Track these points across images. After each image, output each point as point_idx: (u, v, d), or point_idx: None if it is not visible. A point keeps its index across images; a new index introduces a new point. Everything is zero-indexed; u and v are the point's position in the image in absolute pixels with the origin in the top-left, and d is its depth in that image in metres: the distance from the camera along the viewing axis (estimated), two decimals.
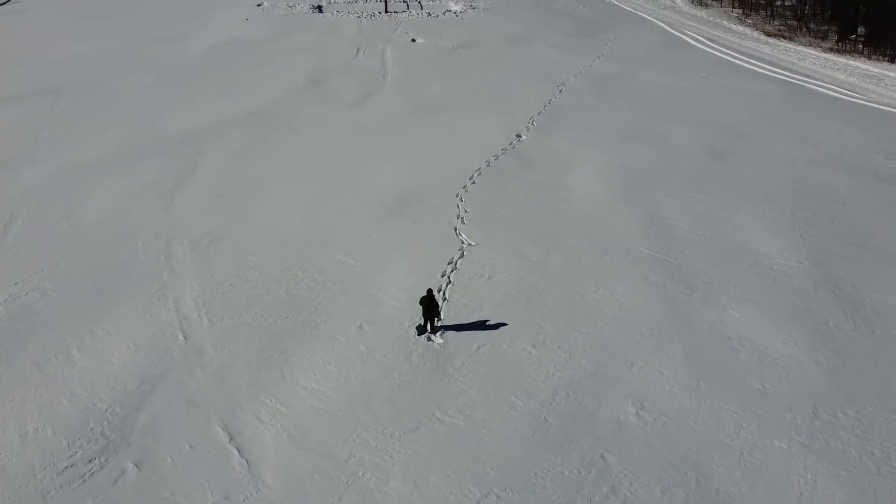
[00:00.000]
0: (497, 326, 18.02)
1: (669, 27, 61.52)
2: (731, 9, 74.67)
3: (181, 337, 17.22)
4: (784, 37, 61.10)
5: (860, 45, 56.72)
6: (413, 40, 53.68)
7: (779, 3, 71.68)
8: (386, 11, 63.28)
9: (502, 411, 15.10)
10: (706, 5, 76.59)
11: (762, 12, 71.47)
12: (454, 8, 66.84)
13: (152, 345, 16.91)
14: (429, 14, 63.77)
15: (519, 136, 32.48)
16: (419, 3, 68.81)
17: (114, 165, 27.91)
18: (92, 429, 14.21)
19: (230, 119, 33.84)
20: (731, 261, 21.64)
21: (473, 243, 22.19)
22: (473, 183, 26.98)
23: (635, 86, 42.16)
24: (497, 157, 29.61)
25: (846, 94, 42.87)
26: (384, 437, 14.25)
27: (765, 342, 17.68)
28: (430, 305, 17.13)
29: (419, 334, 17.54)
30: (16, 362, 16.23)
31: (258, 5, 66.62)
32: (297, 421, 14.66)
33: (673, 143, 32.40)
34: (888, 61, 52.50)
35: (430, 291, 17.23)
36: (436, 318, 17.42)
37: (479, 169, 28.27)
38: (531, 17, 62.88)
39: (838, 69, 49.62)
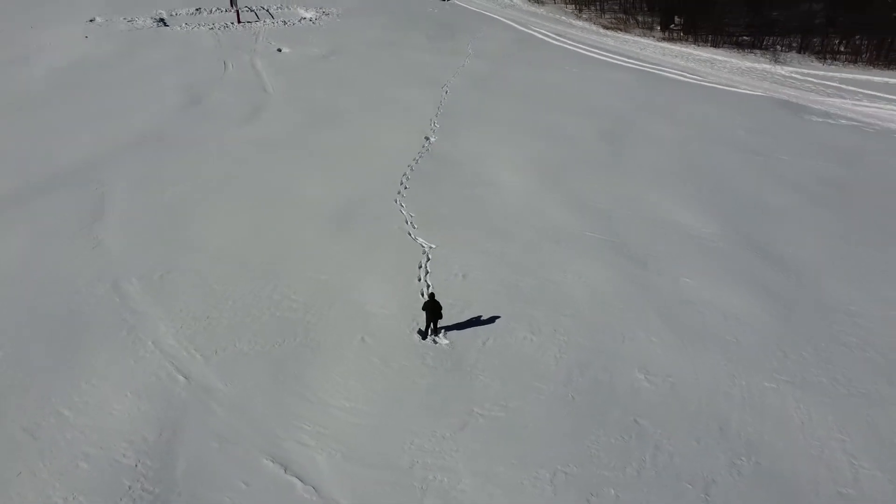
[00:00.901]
0: (491, 320, 18.79)
1: (519, 25, 65.19)
2: (565, 5, 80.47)
3: (181, 377, 16.22)
4: (620, 29, 67.08)
5: (681, 33, 63.85)
6: (279, 50, 52.47)
7: None
8: (238, 22, 61.07)
9: (532, 397, 15.94)
10: (542, 2, 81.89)
11: (593, 7, 77.80)
12: (307, 15, 65.98)
13: (153, 390, 15.79)
14: (284, 23, 62.47)
15: (427, 138, 33.24)
16: (269, 12, 67.10)
17: (7, 209, 24.99)
18: (130, 487, 13.15)
19: (120, 145, 31.37)
20: (665, 235, 24.02)
21: (433, 246, 22.69)
22: (406, 188, 27.38)
23: (511, 82, 44.48)
24: (417, 161, 30.17)
25: (690, 77, 48.31)
26: (437, 440, 14.55)
27: (721, 302, 20.02)
28: (433, 309, 17.53)
29: (423, 338, 17.88)
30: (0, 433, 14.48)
31: (90, 21, 61.41)
32: (343, 439, 14.53)
33: (568, 133, 34.81)
34: (711, 46, 59.65)
35: (432, 296, 17.62)
36: (438, 320, 17.84)
37: (405, 174, 28.70)
38: (386, 21, 63.64)
39: (676, 56, 55.61)
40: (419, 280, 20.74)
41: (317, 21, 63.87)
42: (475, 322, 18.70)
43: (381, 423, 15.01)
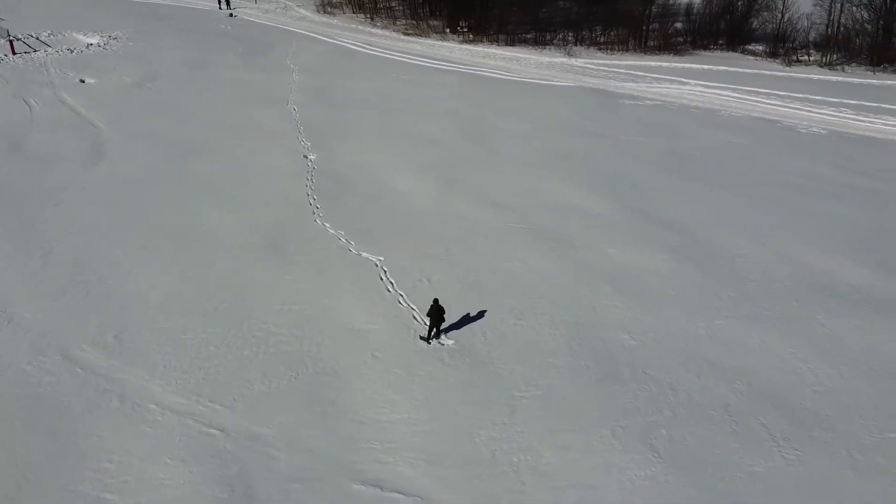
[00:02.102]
0: (479, 315, 20.04)
1: (323, 37, 65.60)
2: (354, 14, 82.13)
3: (215, 431, 15.31)
4: (419, 34, 70.38)
5: (471, 35, 68.98)
6: (82, 81, 47.51)
7: (382, 5, 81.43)
8: (14, 53, 53.91)
9: (554, 373, 17.59)
10: (332, 13, 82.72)
11: (383, 14, 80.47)
12: (93, 41, 60.07)
13: (193, 450, 14.74)
14: (70, 50, 56.33)
15: (306, 157, 33.03)
16: (40, 40, 59.94)
17: None
18: None
19: None
20: (570, 217, 26.94)
21: (381, 258, 23.23)
22: (318, 207, 27.31)
23: (350, 93, 45.24)
24: (311, 180, 30.03)
25: (506, 75, 52.84)
26: (499, 427, 15.58)
27: (648, 265, 23.31)
28: (438, 313, 18.36)
29: (428, 342, 18.64)
30: None
31: None
32: (416, 448, 14.95)
33: (433, 136, 36.73)
34: (507, 45, 65.29)
35: (436, 301, 18.42)
36: (441, 323, 18.71)
37: (308, 194, 28.53)
38: (183, 42, 60.18)
39: (483, 56, 60.13)
40: (389, 291, 21.22)
41: (107, 46, 58.47)
42: (465, 320, 19.78)
43: (440, 426, 15.63)
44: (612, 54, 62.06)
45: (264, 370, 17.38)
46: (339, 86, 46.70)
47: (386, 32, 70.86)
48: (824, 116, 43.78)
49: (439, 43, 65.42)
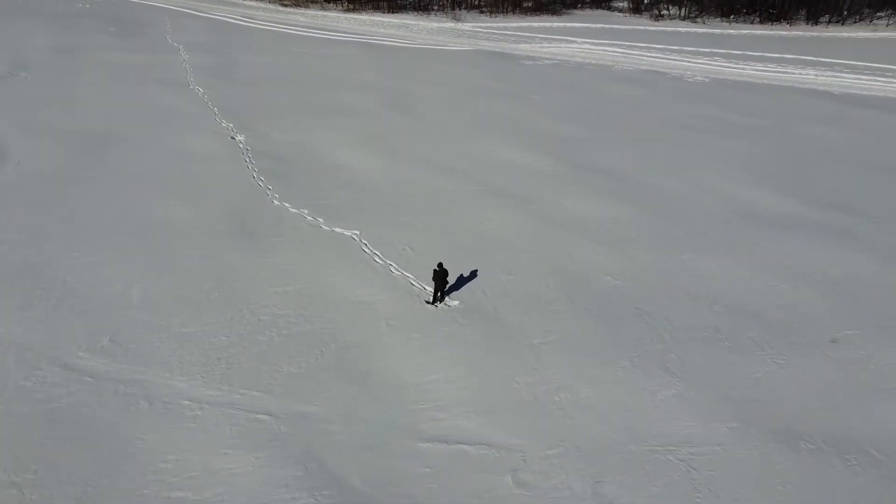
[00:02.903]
0: (473, 276, 20.83)
1: (197, 11, 62.20)
2: None
3: (262, 416, 15.25)
4: (297, 4, 68.51)
5: (349, 3, 68.25)
6: None
7: None
8: None
9: (561, 318, 18.84)
10: None
11: None
12: None
13: (248, 438, 14.61)
14: None
15: (233, 138, 31.96)
16: None
17: None
18: None
19: None
20: (517, 175, 28.31)
21: (357, 232, 23.42)
22: (270, 188, 26.78)
23: (253, 70, 43.83)
24: (251, 161, 29.23)
25: (401, 42, 53.02)
26: (532, 371, 16.64)
27: (603, 214, 25.16)
28: (442, 276, 19.03)
29: (436, 306, 19.31)
30: None
31: None
32: (466, 403, 15.67)
33: (357, 107, 36.68)
34: (390, 12, 65.21)
35: (440, 265, 19.04)
36: (445, 286, 19.40)
37: (254, 176, 27.83)
38: (40, 25, 54.91)
39: (372, 24, 59.81)
40: (378, 262, 21.54)
41: None
42: (461, 281, 20.56)
43: (478, 379, 16.48)
44: (496, 17, 63.71)
45: (287, 352, 17.31)
46: (238, 62, 44.88)
47: (261, 4, 68.21)
48: (702, 66, 47.97)
49: (322, 13, 64.06)
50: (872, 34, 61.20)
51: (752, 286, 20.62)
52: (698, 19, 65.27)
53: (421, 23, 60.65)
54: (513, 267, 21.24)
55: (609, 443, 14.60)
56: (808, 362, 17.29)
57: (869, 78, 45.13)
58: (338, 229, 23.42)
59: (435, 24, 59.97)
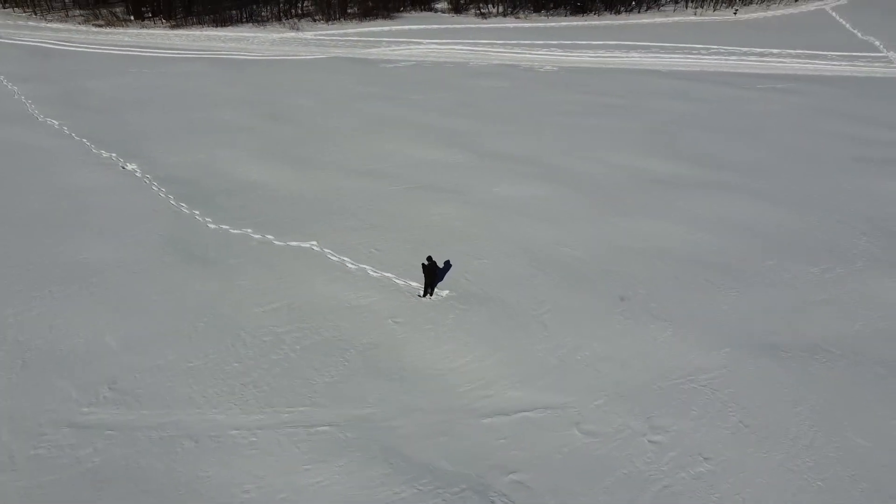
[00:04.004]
0: (447, 266, 21.79)
1: (4, 39, 55.57)
2: (9, 10, 70.08)
3: (324, 428, 15.17)
4: (113, 24, 63.40)
5: (173, 21, 64.88)
6: None
7: None
8: None
9: (545, 288, 20.50)
10: None
11: (43, 7, 70.11)
12: None
13: (320, 454, 14.46)
14: None
15: (124, 168, 29.80)
16: None
17: None
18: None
19: None
20: (439, 170, 29.55)
21: (315, 243, 23.30)
22: (197, 212, 25.57)
23: (104, 94, 40.61)
24: (161, 189, 27.57)
25: (254, 56, 51.55)
26: (551, 338, 18.12)
27: (532, 193, 27.23)
28: (432, 270, 19.81)
29: (430, 296, 20.05)
30: None
31: None
32: (507, 376, 16.72)
33: (243, 125, 35.60)
34: (219, 25, 62.71)
35: (430, 259, 19.77)
36: (435, 280, 20.16)
37: (172, 202, 26.35)
38: None
39: (208, 39, 57.14)
40: (351, 267, 21.73)
41: None
42: (438, 272, 21.42)
43: (505, 354, 17.49)
44: (333, 24, 63.88)
45: (310, 365, 17.15)
46: (82, 89, 41.20)
47: (70, 26, 62.39)
48: (544, 56, 52.23)
49: (146, 31, 60.16)
50: (667, 19, 70.25)
51: (684, 238, 23.67)
52: (520, 15, 70.41)
53: (259, 35, 59.15)
54: (479, 252, 22.44)
55: (640, 384, 16.42)
56: (755, 290, 20.46)
57: (682, 56, 52.12)
58: (293, 243, 23.08)
59: (275, 35, 58.81)
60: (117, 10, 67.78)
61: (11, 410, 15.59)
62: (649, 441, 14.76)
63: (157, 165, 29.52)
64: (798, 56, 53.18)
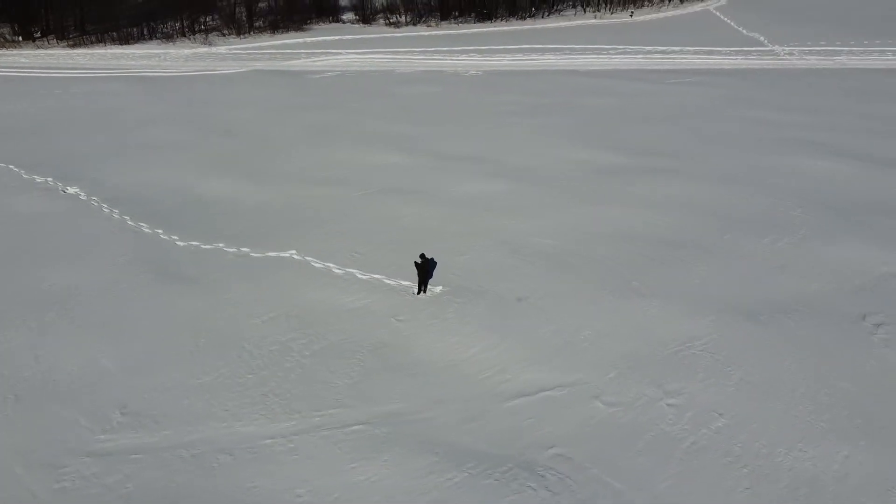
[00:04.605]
0: (432, 264, 22.31)
1: None
2: None
3: (358, 427, 15.27)
4: (9, 46, 59.38)
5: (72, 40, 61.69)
6: None
7: None
8: None
9: (535, 276, 21.36)
10: None
11: None
12: None
13: (375, 451, 14.61)
14: None
15: (65, 191, 28.31)
16: None
17: None
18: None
19: None
20: (396, 174, 29.95)
21: (293, 251, 23.12)
22: (160, 230, 24.75)
23: (25, 118, 38.31)
24: (114, 210, 26.44)
25: (171, 72, 49.81)
26: (556, 320, 18.97)
27: (493, 189, 28.14)
28: (425, 268, 20.23)
29: (424, 292, 20.43)
30: None
31: None
32: (527, 359, 17.37)
33: (184, 142, 34.59)
34: (124, 43, 60.14)
35: (423, 256, 20.15)
36: (428, 278, 20.55)
37: (132, 224, 25.35)
38: None
39: (115, 58, 54.66)
40: (338, 272, 21.76)
41: None
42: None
43: (513, 340, 18.03)
44: (245, 38, 62.60)
45: (327, 368, 17.13)
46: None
47: None
48: (465, 61, 53.55)
49: (44, 52, 56.86)
50: (569, 23, 73.63)
51: (645, 220, 25.20)
52: (431, 23, 71.65)
53: (170, 51, 57.11)
54: (460, 249, 23.00)
55: (644, 356, 17.50)
56: (721, 262, 22.16)
57: (594, 56, 54.93)
58: (271, 253, 22.81)
59: (187, 51, 56.98)
60: (3, 30, 63.51)
61: (18, 446, 14.71)
62: (667, 405, 15.78)
63: (102, 187, 28.19)
64: (697, 52, 57.26)
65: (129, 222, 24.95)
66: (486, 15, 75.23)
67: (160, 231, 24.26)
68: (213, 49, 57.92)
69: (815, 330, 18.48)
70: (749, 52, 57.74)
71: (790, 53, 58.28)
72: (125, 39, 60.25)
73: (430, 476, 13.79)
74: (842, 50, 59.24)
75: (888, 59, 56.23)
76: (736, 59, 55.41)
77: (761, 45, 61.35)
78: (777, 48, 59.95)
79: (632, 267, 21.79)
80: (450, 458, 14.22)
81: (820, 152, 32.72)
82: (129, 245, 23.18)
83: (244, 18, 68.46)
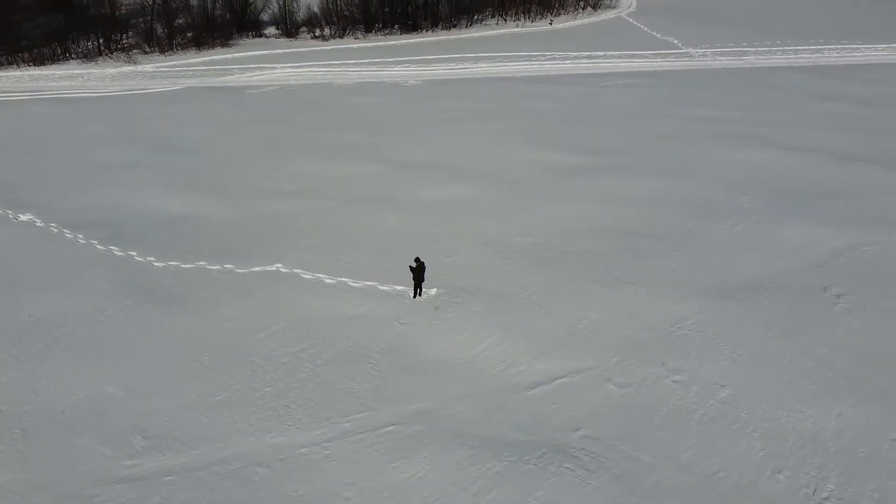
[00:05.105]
0: (421, 267, 22.76)
1: None
2: None
3: (391, 427, 15.54)
4: None
5: None
6: None
7: None
8: None
9: (521, 273, 22.14)
10: None
11: None
12: None
13: (399, 451, 14.81)
14: None
15: (17, 218, 27.03)
16: None
17: None
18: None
19: None
20: (362, 184, 30.19)
21: (280, 265, 23.01)
22: (132, 253, 24.08)
23: None
24: (77, 236, 25.46)
25: (100, 93, 47.95)
26: (557, 311, 19.79)
27: (461, 195, 28.77)
28: (420, 271, 20.66)
29: (420, 295, 20.85)
30: None
31: None
32: (542, 349, 18.15)
33: (132, 161, 33.51)
34: (37, 65, 57.13)
35: (417, 260, 20.58)
36: (422, 281, 20.95)
37: (105, 252, 24.52)
38: None
39: (33, 79, 51.99)
40: (329, 282, 21.87)
41: None
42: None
43: (518, 334, 18.64)
44: (170, 55, 60.84)
45: (343, 375, 17.26)
46: None
47: None
48: (401, 72, 54.14)
49: None
50: (494, 32, 75.54)
51: (611, 215, 26.50)
52: (358, 36, 71.83)
53: (93, 70, 54.77)
54: (445, 251, 23.55)
55: (642, 339, 18.59)
56: (689, 249, 23.66)
57: (525, 63, 56.73)
58: (257, 268, 22.64)
59: (112, 70, 54.78)
60: None
61: (39, 480, 14.17)
62: (672, 381, 16.87)
63: (58, 212, 27.03)
64: (620, 56, 60.10)
65: (98, 246, 24.09)
66: (411, 26, 76.13)
67: (133, 253, 23.57)
68: (139, 67, 56.00)
69: (787, 303, 20.11)
70: (667, 55, 61.10)
71: (704, 55, 62.08)
72: (39, 60, 57.30)
73: (471, 467, 14.23)
74: (749, 50, 63.64)
75: (790, 58, 60.89)
76: (656, 61, 58.54)
77: (676, 47, 65.02)
78: (692, 50, 63.71)
79: (611, 259, 22.93)
80: (486, 449, 14.71)
81: (752, 144, 35.23)
82: (105, 269, 22.41)
83: (164, 36, 66.54)
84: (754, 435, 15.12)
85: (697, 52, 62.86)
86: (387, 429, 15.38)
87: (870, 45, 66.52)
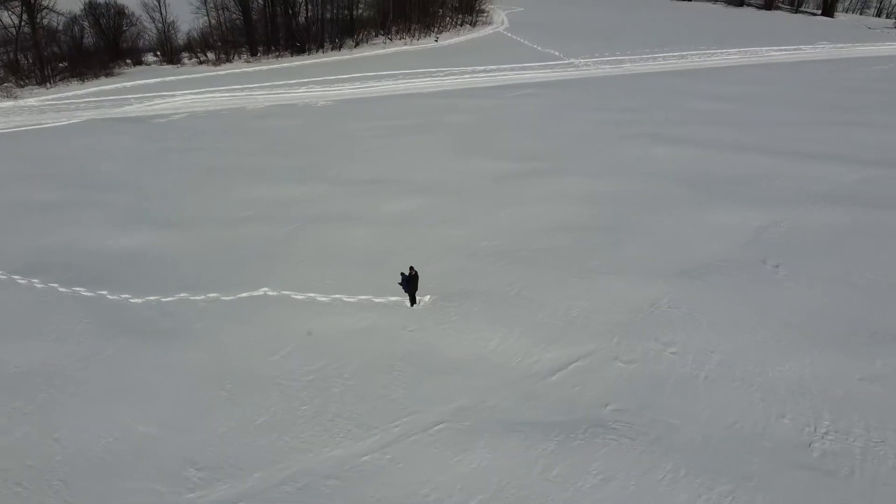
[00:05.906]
0: (412, 278, 23.65)
1: None
2: None
3: (437, 427, 16.38)
4: None
5: None
6: None
7: None
8: None
9: (511, 274, 23.60)
10: None
11: None
12: None
13: (455, 451, 15.79)
14: None
15: None
16: None
17: None
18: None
19: None
20: (320, 204, 30.41)
21: (266, 288, 23.09)
22: (104, 292, 23.17)
23: None
24: (37, 278, 24.05)
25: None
26: (558, 307, 21.37)
27: (420, 208, 29.80)
28: (413, 280, 21.58)
29: (417, 303, 21.76)
30: None
31: None
32: (558, 341, 19.61)
33: (59, 198, 31.68)
34: None
35: (411, 269, 21.46)
36: (415, 290, 21.86)
37: (67, 288, 23.38)
38: None
39: None
40: (323, 300, 22.25)
41: None
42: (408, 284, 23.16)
43: (521, 329, 19.99)
44: (52, 88, 56.95)
45: (373, 384, 17.82)
46: None
47: None
48: (308, 93, 54.09)
49: None
50: (385, 50, 76.82)
51: (561, 213, 28.52)
52: (250, 59, 70.65)
53: None
54: (423, 260, 24.36)
55: (631, 320, 20.58)
56: (643, 239, 26.10)
57: (425, 79, 58.50)
58: (243, 294, 22.56)
59: (8, 104, 50.73)
60: None
61: None
62: (670, 353, 18.94)
63: (14, 256, 25.27)
64: (512, 69, 63.37)
65: (61, 289, 22.88)
66: (300, 48, 75.84)
67: (105, 292, 22.65)
68: (22, 102, 52.09)
69: (738, 277, 22.91)
70: (554, 66, 65.18)
71: (586, 64, 66.83)
72: None
73: (529, 450, 15.43)
74: (624, 59, 69.23)
75: (661, 64, 66.98)
76: (546, 72, 62.34)
77: (559, 58, 69.45)
78: (574, 60, 68.33)
79: (577, 253, 24.89)
80: (535, 433, 15.97)
81: (659, 142, 38.88)
82: (81, 312, 21.42)
83: (34, 67, 62.23)
84: (752, 389, 17.40)
85: (580, 63, 67.52)
86: (436, 427, 16.20)
87: (724, 49, 74.52)
